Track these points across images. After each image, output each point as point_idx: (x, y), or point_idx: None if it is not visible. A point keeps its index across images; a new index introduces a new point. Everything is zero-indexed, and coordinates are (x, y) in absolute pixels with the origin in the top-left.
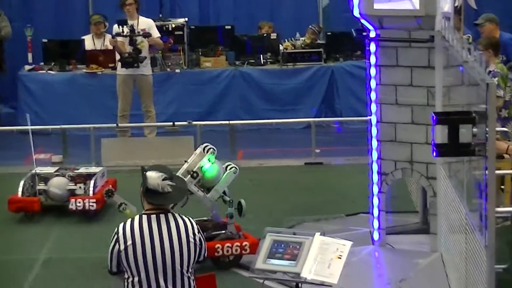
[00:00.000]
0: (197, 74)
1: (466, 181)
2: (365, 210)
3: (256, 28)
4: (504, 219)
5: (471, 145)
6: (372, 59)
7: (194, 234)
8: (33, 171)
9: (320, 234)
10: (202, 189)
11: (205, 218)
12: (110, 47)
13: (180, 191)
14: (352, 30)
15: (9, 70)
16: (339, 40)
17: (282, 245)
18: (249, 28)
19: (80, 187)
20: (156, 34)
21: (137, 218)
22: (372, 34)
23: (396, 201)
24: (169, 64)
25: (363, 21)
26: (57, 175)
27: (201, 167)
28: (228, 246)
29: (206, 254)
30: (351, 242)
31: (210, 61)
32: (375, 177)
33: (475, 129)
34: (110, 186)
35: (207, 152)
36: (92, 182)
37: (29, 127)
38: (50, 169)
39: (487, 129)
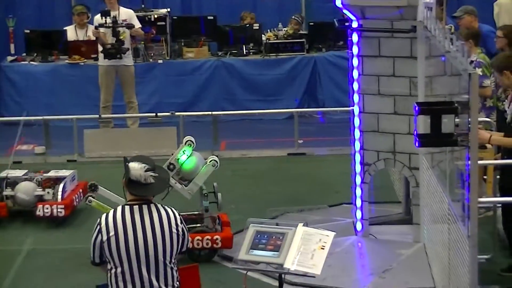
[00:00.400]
0: (180, 65)
1: (449, 171)
2: (348, 201)
3: (239, 18)
4: (487, 209)
5: (454, 135)
6: (355, 50)
7: (176, 224)
8: (2, 175)
9: (303, 225)
10: (183, 182)
11: (195, 212)
12: (93, 38)
13: (163, 182)
14: (335, 20)
15: None
16: (321, 30)
17: (265, 236)
18: (231, 18)
19: (48, 192)
20: (137, 24)
21: (119, 208)
22: (355, 24)
23: (379, 191)
24: (152, 54)
25: (345, 11)
26: (25, 179)
27: (177, 159)
28: (198, 239)
29: (189, 245)
30: (334, 233)
31: (192, 52)
32: (358, 167)
33: (457, 119)
34: (93, 183)
35: (185, 144)
36: (60, 186)
37: (22, 118)
38: (19, 173)
39: (469, 119)
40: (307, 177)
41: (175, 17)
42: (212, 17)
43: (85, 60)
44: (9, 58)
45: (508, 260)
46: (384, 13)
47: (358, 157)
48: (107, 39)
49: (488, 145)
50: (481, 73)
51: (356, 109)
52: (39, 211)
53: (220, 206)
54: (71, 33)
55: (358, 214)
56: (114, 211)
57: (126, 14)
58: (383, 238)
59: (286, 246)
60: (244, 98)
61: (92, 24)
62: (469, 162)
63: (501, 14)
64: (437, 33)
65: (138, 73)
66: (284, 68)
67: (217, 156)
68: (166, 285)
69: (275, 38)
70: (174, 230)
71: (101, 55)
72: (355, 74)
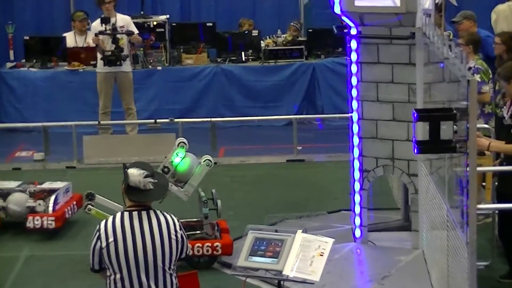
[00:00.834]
0: (179, 71)
1: (448, 178)
2: (347, 207)
3: (237, 25)
4: (486, 216)
5: (452, 142)
6: (353, 56)
7: (176, 231)
8: None
9: (302, 231)
10: (178, 184)
11: (195, 219)
12: (92, 44)
13: (162, 188)
14: (333, 27)
15: None
16: (320, 37)
17: (264, 243)
18: (230, 25)
19: (39, 204)
20: (135, 30)
21: (118, 215)
22: (353, 31)
23: (378, 198)
24: (151, 61)
25: (344, 18)
26: (19, 191)
27: (171, 162)
28: (198, 246)
29: (188, 251)
30: (333, 239)
31: (191, 58)
32: (357, 174)
33: (456, 126)
34: (90, 192)
35: (178, 146)
36: (52, 198)
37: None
38: (13, 184)
39: (468, 125)
40: (306, 184)
41: (174, 24)
42: (211, 24)
43: (84, 67)
44: (8, 64)
45: (507, 266)
46: (382, 19)
47: (357, 164)
48: (105, 46)
49: (487, 152)
50: (479, 79)
51: (355, 116)
52: (30, 223)
53: (220, 213)
54: (70, 39)
55: (357, 220)
56: (113, 217)
57: (123, 20)
58: (382, 245)
59: (285, 253)
60: (243, 105)
61: (90, 31)
62: (468, 168)
63: (499, 21)
64: (435, 39)
65: (137, 79)
66: (283, 74)
67: (215, 162)
68: None
69: (274, 45)
70: (173, 236)
71: (100, 62)
72: (354, 80)
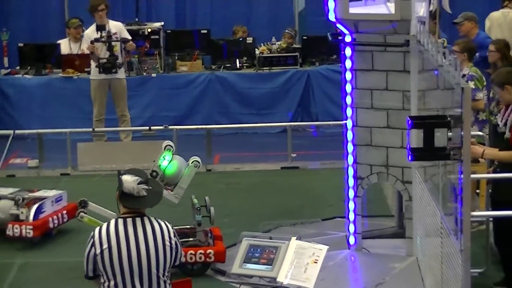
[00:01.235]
0: (173, 78)
1: (442, 185)
2: (341, 215)
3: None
4: (480, 223)
5: (447, 149)
6: (348, 63)
7: (170, 238)
8: None
9: (296, 239)
10: (168, 187)
11: (188, 226)
12: (86, 51)
13: (156, 195)
14: (328, 34)
15: None
16: (315, 44)
17: (259, 250)
18: (225, 32)
19: (22, 212)
20: (128, 36)
21: (113, 222)
22: (348, 38)
23: (372, 205)
24: (145, 68)
25: (338, 25)
26: (7, 198)
27: (159, 165)
28: (191, 254)
29: (182, 258)
30: (327, 247)
31: (186, 65)
32: (351, 181)
33: (450, 133)
34: (83, 199)
35: (164, 149)
36: (34, 207)
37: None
38: (7, 190)
39: (462, 133)
40: (301, 191)
41: (168, 31)
42: (205, 31)
43: (79, 74)
44: (3, 71)
45: (501, 273)
46: (377, 27)
47: (351, 171)
48: (100, 53)
49: (481, 159)
50: (473, 86)
51: (349, 123)
52: (9, 230)
53: (213, 220)
54: (65, 46)
55: (351, 228)
56: (107, 224)
57: (115, 27)
58: (376, 252)
59: (280, 260)
60: (238, 112)
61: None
62: (462, 176)
63: (493, 28)
64: (430, 47)
65: (131, 86)
66: (277, 81)
67: (209, 169)
68: None
69: (269, 52)
70: (167, 243)
71: (94, 69)
72: (348, 88)
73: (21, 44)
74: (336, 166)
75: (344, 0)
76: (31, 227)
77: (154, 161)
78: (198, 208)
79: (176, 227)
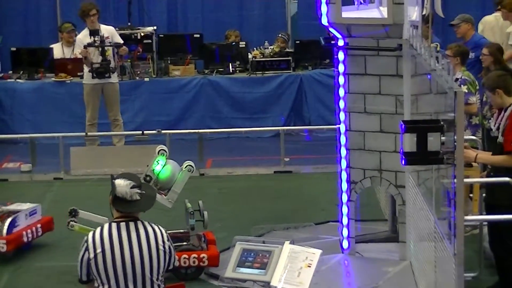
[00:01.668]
0: (166, 83)
1: (435, 189)
2: (334, 219)
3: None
4: (473, 227)
5: (440, 153)
6: (341, 68)
7: (163, 242)
8: None
9: (290, 243)
10: (162, 191)
11: (181, 230)
12: (79, 56)
13: (149, 199)
14: (321, 38)
15: None
16: (307, 48)
17: (252, 254)
18: (218, 36)
19: None
20: (120, 40)
21: (106, 226)
22: (341, 43)
23: (365, 209)
24: (138, 72)
25: (331, 29)
26: None
27: (153, 170)
28: (185, 258)
29: (176, 263)
30: (320, 251)
31: (179, 70)
32: (344, 185)
33: (443, 137)
34: (73, 208)
35: (158, 154)
36: (8, 221)
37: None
38: None
39: (455, 137)
40: (294, 195)
41: (161, 35)
42: (198, 35)
43: (71, 78)
44: None
45: (495, 278)
46: (370, 31)
47: (344, 175)
48: (93, 57)
49: (474, 163)
50: (466, 90)
51: (342, 127)
52: None
53: (206, 224)
54: (58, 50)
55: (345, 232)
56: (101, 228)
57: (107, 31)
58: (369, 256)
59: (273, 264)
60: (230, 116)
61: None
62: (455, 180)
63: (485, 32)
64: (423, 51)
65: (124, 91)
66: (270, 86)
67: (202, 173)
68: None
69: (261, 56)
70: (161, 247)
71: (87, 74)
72: (341, 92)
73: (13, 49)
74: (329, 170)
75: (336, 4)
76: (4, 241)
77: (147, 165)
78: (192, 213)
79: (169, 231)
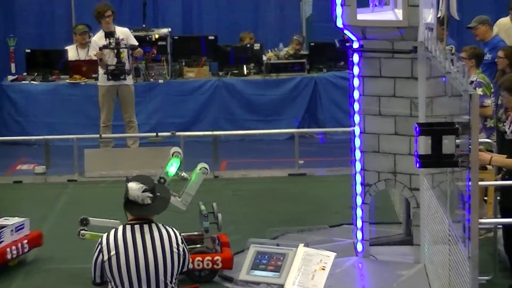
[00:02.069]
0: (180, 85)
1: (449, 192)
2: (348, 221)
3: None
4: (487, 231)
5: (454, 156)
6: (355, 70)
7: (178, 244)
8: None
9: (304, 245)
10: (175, 194)
11: (195, 233)
12: (94, 57)
13: (162, 202)
14: (335, 40)
15: None
16: (322, 50)
17: (266, 256)
18: (232, 38)
19: None
20: (135, 42)
21: (120, 228)
22: (355, 45)
23: (380, 212)
24: (152, 74)
25: (346, 32)
26: None
27: (167, 172)
28: (199, 260)
29: (189, 265)
30: (334, 253)
31: (193, 72)
32: (359, 188)
33: (458, 140)
34: (84, 217)
35: (172, 156)
36: None
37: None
38: None
39: (470, 140)
40: (308, 198)
41: (176, 37)
42: (213, 37)
43: (86, 80)
44: (10, 77)
45: (509, 281)
46: (385, 33)
47: (358, 178)
48: (108, 59)
49: (489, 166)
50: (481, 93)
51: (356, 130)
52: None
53: (220, 227)
54: (72, 52)
55: (359, 235)
56: (115, 230)
57: (122, 33)
58: (383, 259)
59: (287, 267)
60: (245, 118)
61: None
62: (470, 183)
63: (500, 34)
64: (437, 53)
65: (138, 92)
66: (284, 88)
67: (216, 176)
68: None
69: (276, 58)
70: (175, 250)
71: (102, 76)
72: (356, 94)
73: (28, 50)
74: (343, 173)
75: (351, 6)
76: None
77: (161, 167)
78: (206, 215)
79: (183, 234)
